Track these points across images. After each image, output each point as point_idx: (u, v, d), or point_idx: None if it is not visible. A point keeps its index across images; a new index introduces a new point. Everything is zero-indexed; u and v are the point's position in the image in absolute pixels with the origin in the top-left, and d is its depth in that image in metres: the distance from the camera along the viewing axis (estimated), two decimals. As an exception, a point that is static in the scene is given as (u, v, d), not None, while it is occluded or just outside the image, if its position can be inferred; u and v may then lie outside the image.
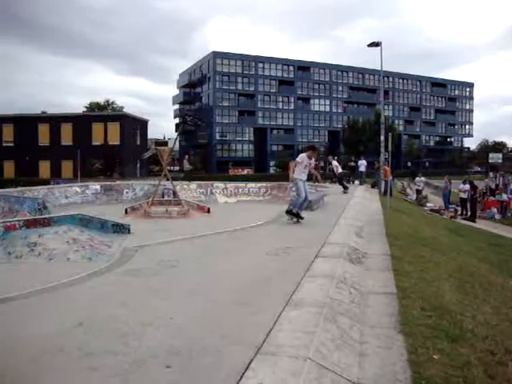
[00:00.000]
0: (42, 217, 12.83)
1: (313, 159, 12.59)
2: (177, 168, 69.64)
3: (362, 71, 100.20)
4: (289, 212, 12.55)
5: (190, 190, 24.40)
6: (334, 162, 25.99)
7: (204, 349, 4.09)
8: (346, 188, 22.26)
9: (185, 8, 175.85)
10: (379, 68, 29.32)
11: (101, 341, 4.33)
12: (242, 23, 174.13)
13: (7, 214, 13.87)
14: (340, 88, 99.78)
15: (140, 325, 4.69)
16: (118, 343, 4.25)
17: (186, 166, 31.78)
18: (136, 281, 6.67)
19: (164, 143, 79.65)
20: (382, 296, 5.95)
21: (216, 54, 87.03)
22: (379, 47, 28.33)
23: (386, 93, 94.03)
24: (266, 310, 5.07)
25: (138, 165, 64.53)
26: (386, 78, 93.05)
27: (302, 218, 12.43)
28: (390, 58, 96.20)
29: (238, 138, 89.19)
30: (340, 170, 23.85)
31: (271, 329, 4.45)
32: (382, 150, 25.57)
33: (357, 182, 33.14)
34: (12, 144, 61.12)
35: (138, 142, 66.83)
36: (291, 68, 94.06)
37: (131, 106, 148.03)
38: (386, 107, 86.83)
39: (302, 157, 12.42)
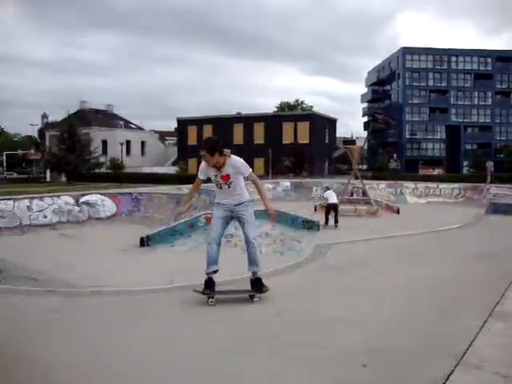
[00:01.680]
0: (239, 211, 13.65)
1: (226, 167, 5.77)
2: (365, 167, 68.94)
3: None
4: (206, 286, 5.78)
5: (379, 190, 24.05)
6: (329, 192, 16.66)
7: (400, 352, 3.99)
8: (326, 222, 15.22)
9: (371, 4, 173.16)
10: None
11: (298, 332, 4.47)
12: (430, 16, 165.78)
13: (208, 206, 14.97)
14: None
15: (335, 321, 4.74)
16: (314, 336, 4.35)
17: (393, 164, 30.92)
18: (330, 277, 6.77)
19: (352, 142, 79.46)
20: None
21: (405, 50, 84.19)
22: None
23: None
24: (465, 319, 4.78)
25: (327, 163, 65.23)
26: None
27: (262, 290, 5.81)
28: None
29: (428, 137, 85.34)
30: (334, 201, 15.65)
31: (473, 340, 4.16)
32: None
33: None
34: (210, 143, 65.99)
35: (327, 141, 67.54)
36: (489, 60, 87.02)
37: (319, 105, 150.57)
38: None
39: (202, 167, 6.02)
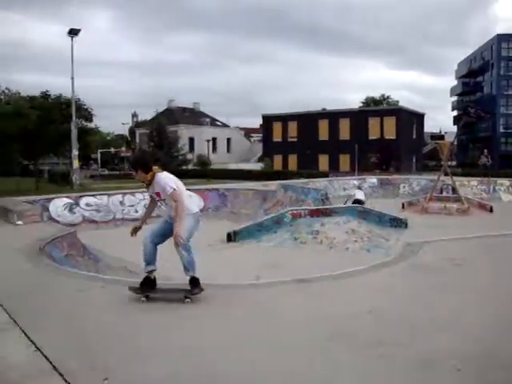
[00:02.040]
0: (325, 207, 13.60)
1: (155, 184, 5.57)
2: (454, 163, 66.40)
3: None
4: (142, 283, 5.71)
5: (470, 187, 23.06)
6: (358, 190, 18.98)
7: (497, 359, 3.79)
8: None
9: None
10: None
11: (390, 332, 4.38)
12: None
13: (294, 202, 15.04)
14: None
15: (429, 322, 4.61)
16: (406, 337, 4.25)
17: (483, 160, 29.31)
18: (422, 276, 6.57)
19: (440, 137, 76.71)
20: None
21: (501, 37, 79.48)
22: None
23: None
24: None
25: (414, 159, 63.52)
26: None
27: (192, 292, 5.50)
28: None
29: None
30: (361, 197, 17.22)
31: None
32: None
33: None
34: (295, 139, 66.04)
35: (414, 136, 65.74)
36: None
37: (405, 99, 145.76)
38: None
39: None
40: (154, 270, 5.66)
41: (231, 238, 11.93)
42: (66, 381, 3.33)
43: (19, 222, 10.82)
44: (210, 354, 3.91)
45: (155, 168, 5.61)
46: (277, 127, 67.82)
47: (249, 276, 7.80)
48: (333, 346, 4.06)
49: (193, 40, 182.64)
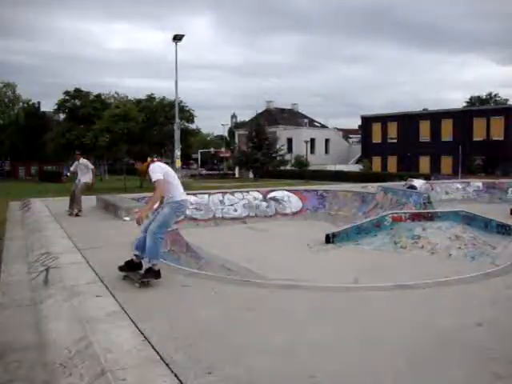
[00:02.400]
0: (427, 211, 13.16)
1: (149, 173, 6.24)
2: None
3: None
4: (125, 263, 6.36)
5: None
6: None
7: None
8: None
9: None
10: None
11: (504, 347, 4.11)
12: None
13: (394, 205, 14.69)
14: None
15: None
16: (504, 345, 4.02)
17: None
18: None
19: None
20: None
21: None
22: None
23: None
24: None
25: (524, 162, 59.86)
26: None
27: (142, 277, 5.97)
28: None
29: None
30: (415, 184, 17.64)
31: None
32: None
33: None
34: (395, 140, 64.41)
35: (526, 138, 61.90)
36: None
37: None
38: None
39: None
40: (137, 255, 6.26)
41: (330, 239, 11.87)
42: (172, 371, 3.47)
43: (126, 218, 11.41)
44: (304, 354, 3.91)
45: (149, 159, 6.32)
46: (376, 128, 66.45)
47: (346, 279, 7.72)
48: (441, 359, 3.85)
49: (292, 41, 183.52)
